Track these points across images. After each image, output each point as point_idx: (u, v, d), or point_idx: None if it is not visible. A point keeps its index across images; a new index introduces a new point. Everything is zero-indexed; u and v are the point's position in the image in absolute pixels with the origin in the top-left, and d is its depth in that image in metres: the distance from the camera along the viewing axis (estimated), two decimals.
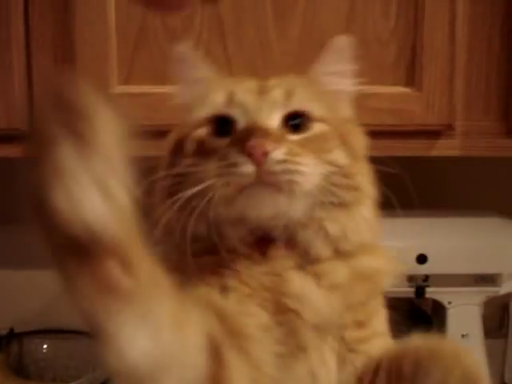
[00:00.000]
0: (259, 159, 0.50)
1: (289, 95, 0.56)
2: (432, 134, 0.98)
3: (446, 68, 0.97)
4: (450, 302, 1.14)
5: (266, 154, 0.51)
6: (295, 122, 0.56)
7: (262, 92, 0.56)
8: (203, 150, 0.55)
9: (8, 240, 1.43)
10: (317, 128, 0.56)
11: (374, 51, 0.98)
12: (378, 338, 0.60)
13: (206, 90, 0.60)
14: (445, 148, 0.99)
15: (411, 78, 0.98)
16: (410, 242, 1.11)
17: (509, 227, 1.15)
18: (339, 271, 0.57)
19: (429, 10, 0.96)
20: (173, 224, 0.56)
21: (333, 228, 0.56)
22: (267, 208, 0.53)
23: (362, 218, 0.58)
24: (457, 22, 0.97)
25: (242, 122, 0.55)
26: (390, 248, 0.65)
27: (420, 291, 1.09)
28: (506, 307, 1.37)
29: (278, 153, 0.51)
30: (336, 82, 0.61)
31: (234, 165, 0.51)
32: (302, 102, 0.57)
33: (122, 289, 0.40)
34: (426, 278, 1.10)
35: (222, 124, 0.56)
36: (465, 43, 0.99)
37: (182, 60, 0.62)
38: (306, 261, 0.56)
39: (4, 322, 1.41)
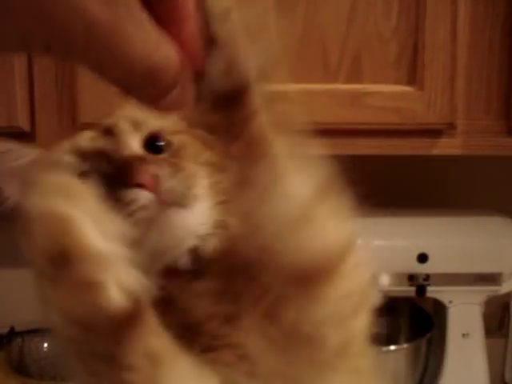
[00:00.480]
0: (152, 185, 0.48)
1: (145, 119, 0.54)
2: (433, 132, 0.98)
3: (448, 67, 0.97)
4: (450, 301, 1.14)
5: (154, 176, 0.48)
6: (158, 144, 0.52)
7: (117, 124, 0.53)
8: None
9: (8, 238, 1.43)
10: (177, 139, 0.53)
11: (376, 50, 0.98)
12: None
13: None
14: (446, 147, 0.98)
15: (413, 76, 0.98)
16: (411, 241, 1.11)
17: (509, 226, 1.14)
18: None
19: (430, 9, 0.96)
20: None
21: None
22: (174, 219, 0.49)
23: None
24: (458, 21, 0.97)
25: (117, 145, 0.53)
26: None
27: (421, 290, 1.09)
28: (506, 307, 1.37)
29: (163, 171, 0.49)
30: None
31: (132, 202, 0.48)
32: (158, 124, 0.54)
33: None
34: (427, 277, 1.10)
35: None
36: (466, 42, 0.99)
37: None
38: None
39: (4, 320, 1.42)
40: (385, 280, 1.10)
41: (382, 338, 1.12)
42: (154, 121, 0.53)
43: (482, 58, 1.00)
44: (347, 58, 0.98)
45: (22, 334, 1.40)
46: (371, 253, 1.09)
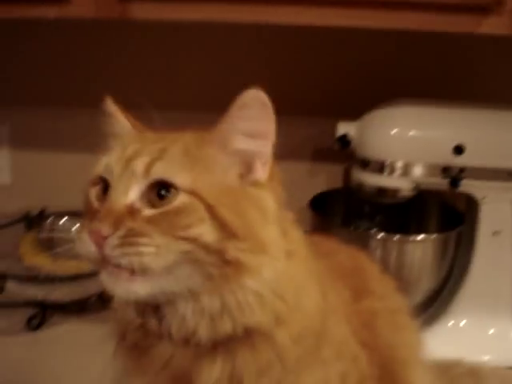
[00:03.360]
0: (97, 243, 0.50)
1: (151, 165, 0.53)
2: (479, 9, 0.92)
3: None
4: (483, 198, 1.11)
5: (104, 238, 0.50)
6: (161, 191, 0.53)
7: (130, 160, 0.54)
8: (86, 206, 0.57)
9: (41, 122, 1.44)
10: (179, 200, 0.52)
11: None
12: None
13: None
14: (492, 26, 0.92)
15: None
16: (448, 132, 1.07)
17: None
18: (212, 373, 0.53)
19: None
20: None
21: (210, 303, 0.52)
22: (117, 289, 0.52)
23: (247, 292, 0.52)
24: None
25: (110, 188, 0.55)
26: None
27: (455, 182, 1.06)
28: None
29: (113, 238, 0.50)
30: (243, 142, 0.55)
31: (81, 240, 0.52)
32: (165, 171, 0.53)
33: None
34: (462, 170, 1.07)
35: (105, 186, 0.56)
36: None
37: (107, 113, 0.64)
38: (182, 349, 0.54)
39: (36, 202, 1.45)
40: (418, 171, 1.08)
41: (412, 230, 1.10)
42: (173, 169, 0.53)
43: None
44: None
45: (51, 215, 1.43)
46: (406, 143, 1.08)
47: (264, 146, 0.55)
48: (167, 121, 0.59)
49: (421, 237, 1.08)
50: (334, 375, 0.56)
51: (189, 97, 1.39)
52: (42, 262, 1.28)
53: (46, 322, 1.25)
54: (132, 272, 0.50)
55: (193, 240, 0.50)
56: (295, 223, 0.59)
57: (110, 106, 0.65)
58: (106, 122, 0.65)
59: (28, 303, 1.26)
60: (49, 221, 1.43)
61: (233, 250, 0.50)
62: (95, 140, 1.40)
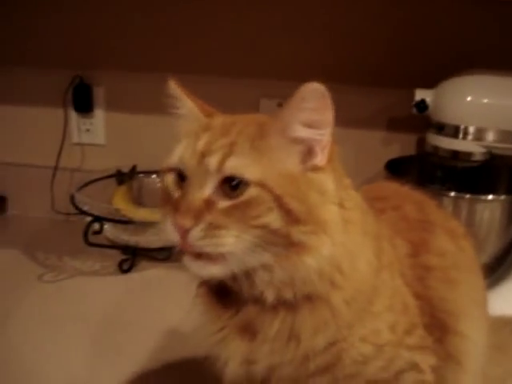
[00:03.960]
0: (181, 235, 0.56)
1: (224, 159, 0.57)
2: None
3: None
4: None
5: (187, 231, 0.56)
6: (233, 183, 0.57)
7: (203, 156, 0.58)
8: (165, 193, 0.62)
9: (133, 86, 1.56)
10: (249, 193, 0.56)
11: None
12: None
13: (182, 131, 0.65)
14: None
15: None
16: None
17: None
18: (273, 325, 0.60)
19: None
20: None
21: (277, 274, 0.58)
22: (199, 271, 0.59)
23: (308, 269, 0.57)
24: None
25: (186, 180, 0.59)
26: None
27: None
28: None
29: (196, 230, 0.55)
30: (304, 132, 0.58)
31: (168, 229, 0.58)
32: (234, 166, 0.57)
33: None
34: None
35: (182, 175, 0.60)
36: None
37: (171, 95, 0.67)
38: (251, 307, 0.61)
39: (128, 160, 1.58)
40: (490, 136, 1.14)
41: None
42: (243, 164, 0.57)
43: None
44: None
45: (142, 173, 1.56)
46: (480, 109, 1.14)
47: (323, 134, 0.58)
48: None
49: (490, 197, 1.14)
50: (384, 325, 0.62)
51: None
52: (133, 211, 1.40)
53: (135, 266, 1.38)
54: (212, 257, 0.57)
55: (263, 227, 0.56)
56: (352, 187, 0.64)
57: (175, 88, 0.67)
58: (172, 104, 0.67)
59: (121, 247, 1.40)
60: (139, 177, 1.55)
61: (296, 234, 0.56)
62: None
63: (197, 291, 0.68)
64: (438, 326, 0.66)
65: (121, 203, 1.43)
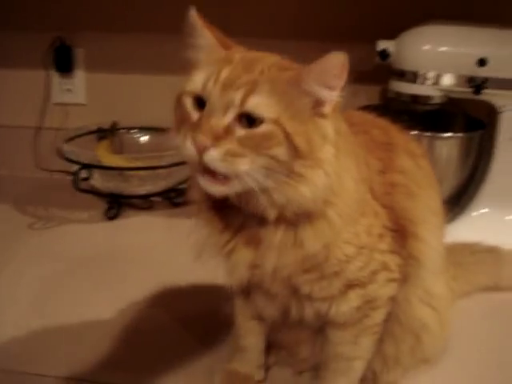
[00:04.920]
0: (200, 151, 0.64)
1: (247, 97, 0.64)
2: None
3: None
4: (502, 106, 1.29)
5: (205, 148, 0.64)
6: (251, 117, 0.65)
7: (227, 87, 0.65)
8: (185, 116, 0.68)
9: (114, 46, 1.62)
10: (265, 127, 0.64)
11: None
12: None
13: (203, 62, 0.70)
14: None
15: None
16: (473, 47, 1.24)
17: None
18: (277, 235, 0.70)
19: None
20: None
21: (278, 197, 0.67)
22: (213, 190, 0.67)
23: (303, 196, 0.66)
24: None
25: (207, 106, 0.66)
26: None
27: (478, 89, 1.24)
28: None
29: (214, 153, 0.64)
30: (320, 91, 0.65)
31: (186, 147, 0.65)
32: (256, 104, 0.64)
33: None
34: (484, 80, 1.24)
35: (200, 100, 0.67)
36: None
37: (191, 24, 0.71)
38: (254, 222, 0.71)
39: (108, 118, 1.64)
40: (447, 81, 1.25)
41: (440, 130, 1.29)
42: (263, 102, 0.64)
43: None
44: None
45: (123, 128, 1.64)
46: (437, 56, 1.24)
47: (336, 95, 0.67)
48: None
49: (449, 134, 1.27)
50: (362, 229, 0.73)
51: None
52: (116, 161, 1.48)
53: (120, 215, 1.47)
54: (225, 178, 0.66)
55: (272, 157, 0.65)
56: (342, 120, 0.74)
57: (195, 18, 0.71)
58: (191, 34, 0.71)
59: (107, 195, 1.49)
60: (120, 132, 1.64)
61: (298, 166, 0.65)
62: (159, 62, 1.58)
63: (199, 206, 0.76)
64: (401, 231, 0.76)
65: (104, 155, 1.51)
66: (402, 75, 1.29)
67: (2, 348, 0.95)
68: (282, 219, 0.69)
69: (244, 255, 0.72)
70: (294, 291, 0.74)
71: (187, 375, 0.89)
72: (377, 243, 0.74)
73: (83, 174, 1.40)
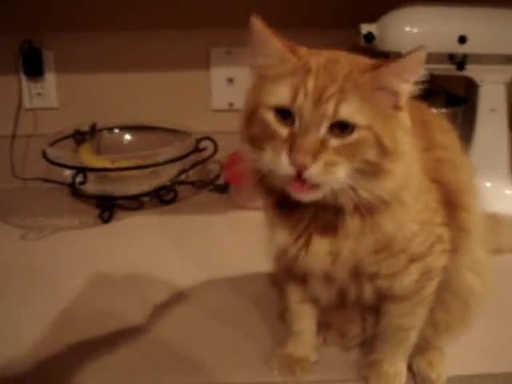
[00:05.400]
0: (300, 170, 0.66)
1: (338, 106, 0.66)
2: None
3: None
4: (482, 80, 1.36)
5: (305, 167, 0.66)
6: (345, 126, 0.67)
7: (318, 100, 0.66)
8: (268, 130, 0.69)
9: (83, 47, 1.59)
10: (357, 134, 0.67)
11: None
12: None
13: (276, 72, 0.70)
14: None
15: None
16: (453, 26, 1.30)
17: None
18: (355, 223, 0.73)
19: None
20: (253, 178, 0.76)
21: (363, 193, 0.69)
22: (305, 198, 0.70)
23: (387, 189, 0.70)
24: None
25: (297, 120, 0.67)
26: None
27: (460, 65, 1.30)
28: None
29: (314, 167, 0.66)
30: (400, 86, 0.69)
31: (282, 164, 0.67)
32: (348, 113, 0.66)
33: None
34: (465, 57, 1.30)
35: (284, 112, 0.68)
36: None
37: (256, 32, 0.70)
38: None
39: (82, 120, 1.61)
40: (431, 58, 1.30)
41: None
42: (354, 110, 0.67)
43: None
44: None
45: (103, 129, 1.62)
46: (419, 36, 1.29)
47: (411, 87, 0.70)
48: None
49: (434, 111, 1.32)
50: (422, 205, 0.76)
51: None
52: (103, 164, 1.46)
53: (113, 217, 1.45)
54: (317, 185, 0.68)
55: (364, 161, 0.68)
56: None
57: (260, 27, 0.70)
58: (256, 43, 0.71)
59: (100, 197, 1.47)
60: (101, 133, 1.61)
61: (385, 163, 0.68)
62: (133, 60, 1.56)
63: (265, 204, 0.79)
64: (450, 204, 0.80)
65: (88, 158, 1.48)
66: (387, 57, 1.33)
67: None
68: (358, 208, 0.71)
69: (322, 245, 0.74)
70: (356, 273, 0.77)
71: (242, 360, 0.91)
72: (433, 217, 0.78)
73: (79, 178, 1.37)
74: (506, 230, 1.22)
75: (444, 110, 1.36)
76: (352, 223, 0.72)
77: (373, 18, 1.36)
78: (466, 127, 1.41)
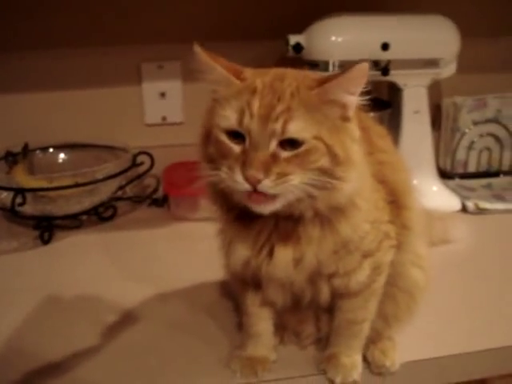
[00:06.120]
0: (254, 185, 0.70)
1: (286, 124, 0.69)
2: None
3: None
4: (405, 84, 1.45)
5: (259, 181, 0.69)
6: (294, 141, 0.70)
7: (264, 119, 0.69)
8: (223, 150, 0.73)
9: (12, 66, 1.55)
10: (308, 145, 0.70)
11: None
12: None
13: (224, 95, 0.73)
14: None
15: None
16: (376, 34, 1.38)
17: (449, 24, 1.44)
18: (316, 229, 0.78)
19: None
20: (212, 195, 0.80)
21: (321, 200, 0.73)
22: (263, 209, 0.73)
23: (343, 194, 0.74)
24: None
25: (247, 139, 0.70)
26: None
27: (385, 71, 1.38)
28: (438, 107, 1.70)
29: (267, 181, 0.69)
30: (347, 98, 0.71)
31: (237, 181, 0.70)
32: (296, 131, 0.69)
33: None
34: (388, 63, 1.38)
35: (236, 133, 0.72)
36: None
37: (199, 60, 0.73)
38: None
39: (18, 138, 1.57)
40: None
41: None
42: (302, 127, 0.70)
43: None
44: None
45: (36, 149, 1.59)
46: (345, 45, 1.35)
47: (358, 98, 0.72)
48: None
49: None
50: (371, 205, 0.81)
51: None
52: (39, 184, 1.42)
53: (53, 237, 1.42)
54: (274, 196, 0.71)
55: (318, 169, 0.71)
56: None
57: (201, 54, 0.72)
58: (200, 70, 0.73)
59: (40, 217, 1.44)
60: (35, 152, 1.58)
61: (338, 172, 0.71)
62: (62, 78, 1.55)
63: (225, 219, 0.82)
64: (395, 202, 0.86)
65: (24, 179, 1.45)
66: (315, 66, 1.39)
67: None
68: (317, 215, 0.76)
69: (286, 253, 0.78)
70: (314, 276, 0.82)
71: (204, 367, 0.93)
72: (382, 215, 0.83)
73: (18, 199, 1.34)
74: (437, 223, 1.30)
75: (372, 114, 1.43)
76: (313, 229, 0.77)
77: (299, 29, 1.42)
78: (392, 129, 1.48)
